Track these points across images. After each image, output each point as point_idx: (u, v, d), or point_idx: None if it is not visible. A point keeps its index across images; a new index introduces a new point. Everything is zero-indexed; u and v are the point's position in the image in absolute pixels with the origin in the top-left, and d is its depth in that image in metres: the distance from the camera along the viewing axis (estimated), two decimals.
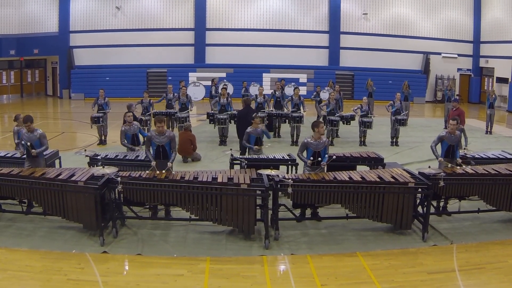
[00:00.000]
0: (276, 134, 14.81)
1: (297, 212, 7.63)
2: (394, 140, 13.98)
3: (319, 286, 5.67)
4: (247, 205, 6.70)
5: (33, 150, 7.76)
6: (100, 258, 6.32)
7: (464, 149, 9.72)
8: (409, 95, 17.45)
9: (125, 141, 9.32)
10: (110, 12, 25.39)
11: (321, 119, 14.94)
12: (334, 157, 8.16)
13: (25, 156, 8.04)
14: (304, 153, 7.96)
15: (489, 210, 7.83)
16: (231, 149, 8.96)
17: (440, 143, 8.38)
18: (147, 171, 7.40)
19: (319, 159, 7.69)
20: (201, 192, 6.73)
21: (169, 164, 7.47)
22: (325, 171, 7.58)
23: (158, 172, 7.16)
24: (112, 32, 25.36)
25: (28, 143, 7.81)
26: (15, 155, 8.76)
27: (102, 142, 13.53)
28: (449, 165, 8.05)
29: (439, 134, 8.43)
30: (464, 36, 26.31)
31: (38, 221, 7.44)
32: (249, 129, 9.42)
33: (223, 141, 13.66)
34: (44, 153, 8.45)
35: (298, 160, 8.49)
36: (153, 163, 7.46)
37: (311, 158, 7.69)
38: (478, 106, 25.11)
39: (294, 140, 13.77)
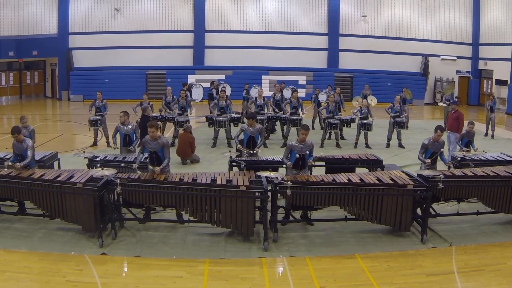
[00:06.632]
0: (283, 137, 14.78)
1: (297, 214, 7.62)
2: (398, 142, 13.93)
3: None
4: (246, 207, 6.70)
5: (17, 164, 7.42)
6: (99, 259, 6.31)
7: (476, 150, 10.02)
8: (407, 98, 17.42)
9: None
10: (109, 14, 25.40)
11: (322, 121, 14.96)
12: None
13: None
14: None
15: (488, 212, 7.85)
16: (230, 151, 8.94)
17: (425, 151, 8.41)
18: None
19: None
20: (200, 194, 6.73)
21: (156, 169, 7.35)
22: (310, 174, 7.52)
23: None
24: (111, 34, 25.37)
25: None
26: (6, 156, 8.69)
27: (96, 143, 13.58)
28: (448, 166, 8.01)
29: (423, 143, 8.46)
30: (463, 38, 26.36)
31: (36, 223, 7.43)
32: (244, 126, 9.07)
33: (228, 143, 13.66)
34: (44, 155, 8.48)
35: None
36: (135, 166, 7.44)
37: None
38: (477, 108, 25.13)
39: None
